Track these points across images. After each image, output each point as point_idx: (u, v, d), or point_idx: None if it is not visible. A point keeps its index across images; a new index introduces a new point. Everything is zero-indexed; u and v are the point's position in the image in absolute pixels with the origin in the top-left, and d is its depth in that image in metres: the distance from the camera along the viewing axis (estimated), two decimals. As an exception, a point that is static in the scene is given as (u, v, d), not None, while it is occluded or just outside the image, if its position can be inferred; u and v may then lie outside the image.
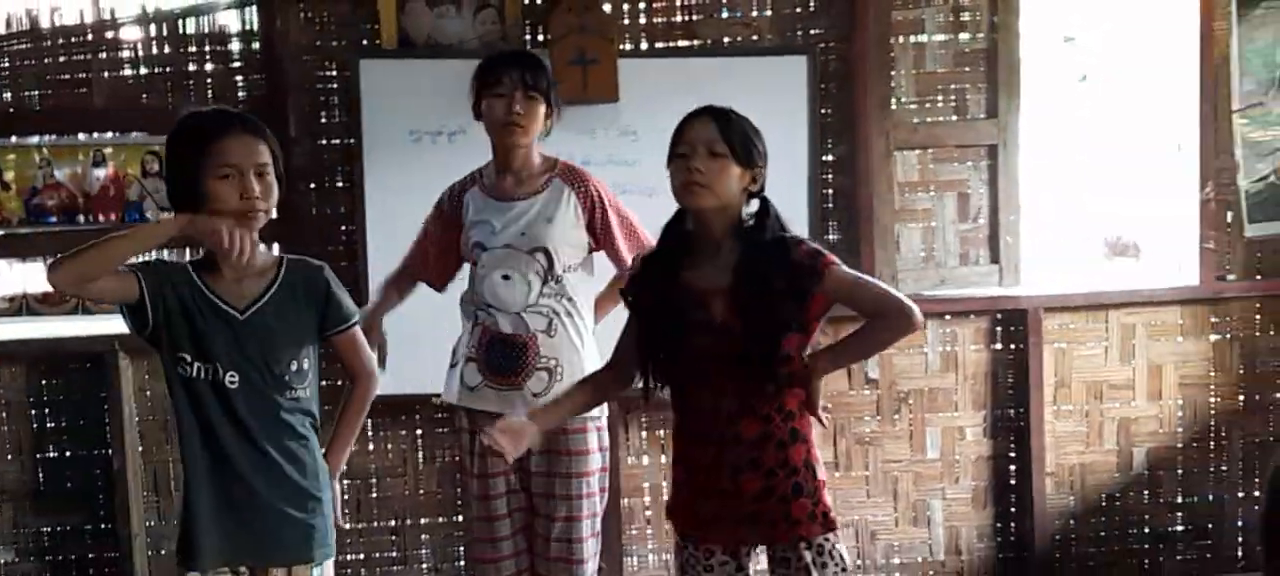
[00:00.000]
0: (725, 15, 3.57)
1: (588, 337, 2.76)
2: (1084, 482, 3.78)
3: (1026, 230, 3.67)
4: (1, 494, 3.55)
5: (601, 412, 2.77)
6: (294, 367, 2.23)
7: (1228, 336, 3.77)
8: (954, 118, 3.64)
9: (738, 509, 2.21)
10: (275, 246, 3.42)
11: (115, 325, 3.49)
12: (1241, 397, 3.80)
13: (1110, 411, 3.76)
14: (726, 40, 3.56)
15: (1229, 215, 3.69)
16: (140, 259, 2.23)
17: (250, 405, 2.20)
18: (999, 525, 3.78)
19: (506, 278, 2.67)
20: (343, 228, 3.49)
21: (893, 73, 3.58)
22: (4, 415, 3.53)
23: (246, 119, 2.21)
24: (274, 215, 2.23)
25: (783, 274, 2.18)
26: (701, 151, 2.18)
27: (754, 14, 3.57)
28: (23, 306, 3.54)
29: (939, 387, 3.71)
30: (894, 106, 3.59)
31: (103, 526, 3.57)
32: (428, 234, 2.84)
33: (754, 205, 2.24)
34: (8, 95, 3.45)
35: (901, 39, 3.59)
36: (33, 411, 3.54)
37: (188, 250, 3.32)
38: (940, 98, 3.63)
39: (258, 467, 2.20)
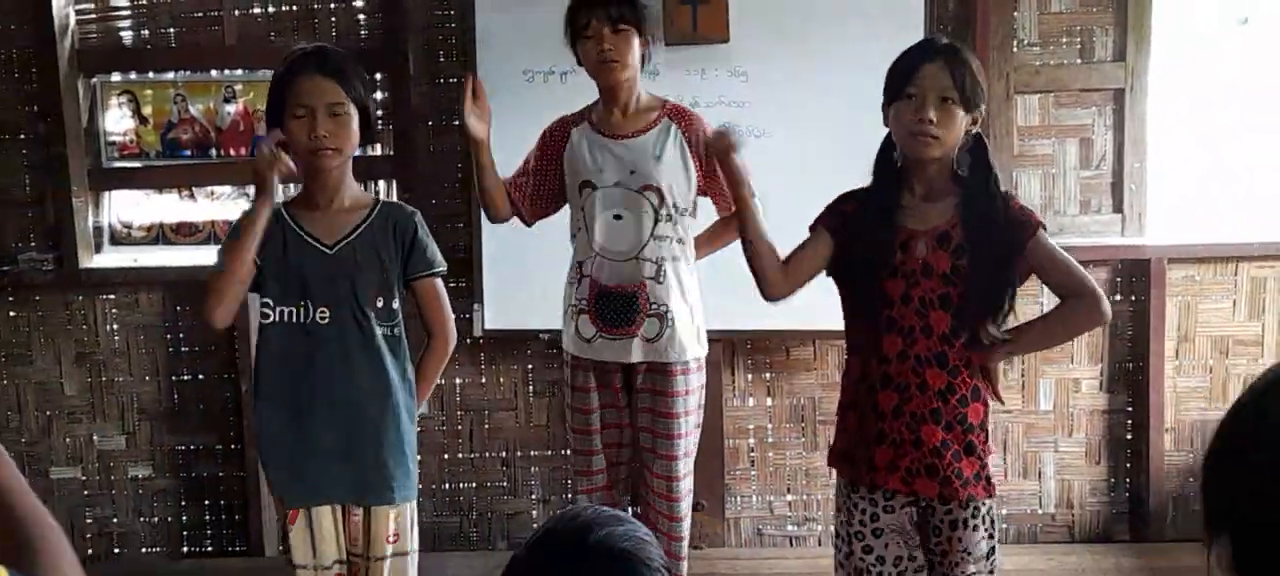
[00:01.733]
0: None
1: (695, 280, 2.78)
2: (1204, 441, 3.64)
3: (1154, 179, 3.53)
4: (140, 412, 3.76)
5: (704, 349, 2.80)
6: (381, 304, 2.29)
7: (1364, 292, 3.58)
8: (1078, 61, 3.50)
9: (914, 459, 2.21)
10: (394, 189, 3.54)
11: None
12: (1374, 355, 3.62)
13: (1236, 368, 3.61)
14: (842, -21, 3.49)
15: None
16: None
17: (341, 341, 2.27)
18: (1113, 481, 3.70)
19: (618, 217, 2.69)
20: (458, 166, 3.55)
21: (1015, 13, 3.47)
22: (142, 338, 3.73)
23: (325, 59, 2.26)
24: (349, 152, 2.28)
25: (1001, 223, 2.16)
26: (932, 99, 2.12)
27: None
28: (159, 235, 3.73)
29: (1056, 339, 3.62)
30: (1015, 48, 3.47)
31: (232, 446, 3.75)
32: (527, 163, 2.85)
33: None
34: (145, 32, 3.60)
35: (1026, -23, 3.47)
36: (168, 336, 3.73)
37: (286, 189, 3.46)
38: (1065, 39, 3.50)
39: (343, 404, 2.28)
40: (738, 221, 2.35)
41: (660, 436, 2.76)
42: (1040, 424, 3.67)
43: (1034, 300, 3.54)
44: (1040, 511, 3.71)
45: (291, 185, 3.57)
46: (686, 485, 2.82)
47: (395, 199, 3.35)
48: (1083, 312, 2.21)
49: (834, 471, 2.39)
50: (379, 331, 2.29)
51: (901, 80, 2.16)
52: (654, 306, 2.70)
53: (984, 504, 2.24)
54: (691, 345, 2.76)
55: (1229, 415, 1.01)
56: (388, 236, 2.30)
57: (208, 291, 2.22)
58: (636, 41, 2.66)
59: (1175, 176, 3.59)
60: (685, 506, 2.83)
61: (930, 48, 2.20)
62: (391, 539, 2.35)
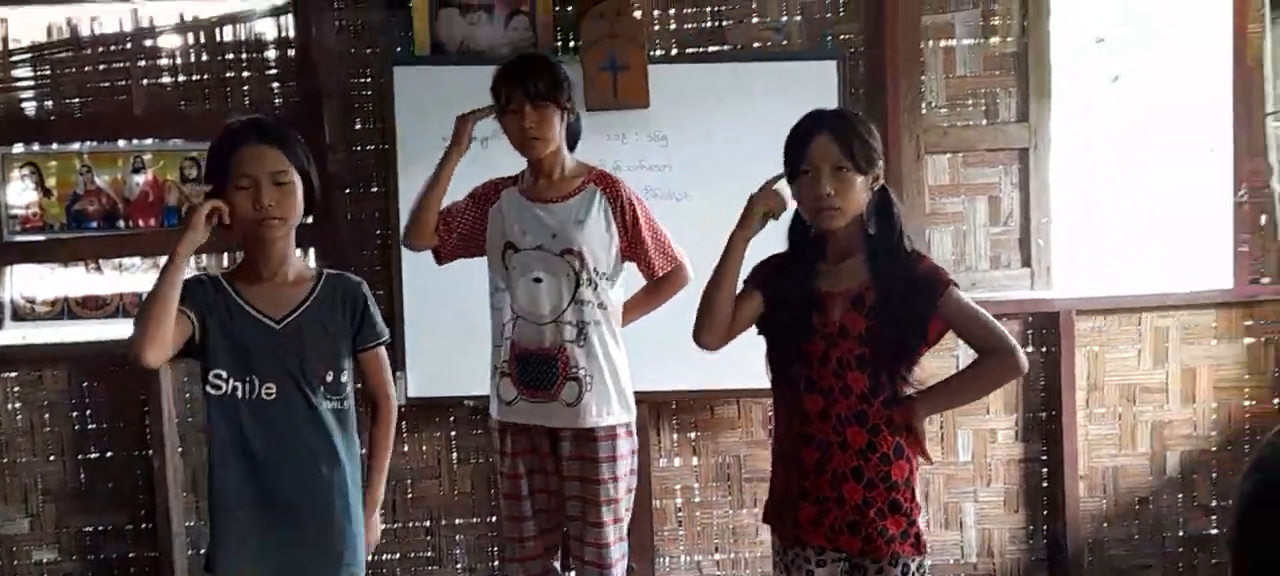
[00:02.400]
0: (754, 21, 3.58)
1: (620, 345, 2.77)
2: (1117, 486, 3.76)
3: (1057, 233, 3.66)
4: (45, 494, 3.62)
5: (630, 415, 2.79)
6: (329, 378, 2.24)
7: (1262, 339, 3.74)
8: (984, 121, 3.63)
9: (837, 516, 2.22)
10: (312, 256, 3.48)
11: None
12: (1276, 401, 3.76)
13: (1143, 415, 3.74)
14: (756, 45, 3.57)
15: (1263, 218, 3.66)
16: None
17: (288, 417, 2.21)
18: (1031, 528, 3.77)
19: (537, 280, 2.68)
20: (377, 232, 3.53)
21: (923, 77, 3.59)
22: (46, 416, 3.60)
23: (265, 129, 2.21)
24: (294, 221, 2.22)
25: (909, 283, 2.20)
26: (826, 171, 2.17)
27: (783, 19, 3.58)
28: (64, 310, 3.61)
29: (972, 390, 3.70)
30: (924, 110, 3.59)
31: (143, 526, 3.63)
32: (455, 205, 2.81)
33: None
34: (49, 103, 3.52)
35: (931, 43, 3.59)
36: (74, 413, 3.60)
37: (223, 258, 3.39)
38: (970, 101, 3.63)
39: (291, 482, 2.21)
40: (726, 257, 2.33)
41: (588, 502, 2.73)
42: (959, 474, 3.74)
43: (949, 353, 3.65)
44: (963, 560, 3.77)
45: (205, 258, 3.55)
46: (617, 552, 2.78)
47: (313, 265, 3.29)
48: (998, 367, 2.24)
49: (769, 527, 2.41)
50: (326, 405, 2.24)
51: (796, 157, 2.22)
52: (573, 370, 2.69)
53: (912, 561, 2.26)
54: (614, 410, 2.73)
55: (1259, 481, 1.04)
56: (335, 309, 2.25)
57: (134, 326, 2.13)
58: (556, 114, 2.67)
59: (1080, 230, 3.72)
60: (618, 573, 2.81)
61: (817, 121, 2.23)
62: None
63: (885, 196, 2.25)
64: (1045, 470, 3.75)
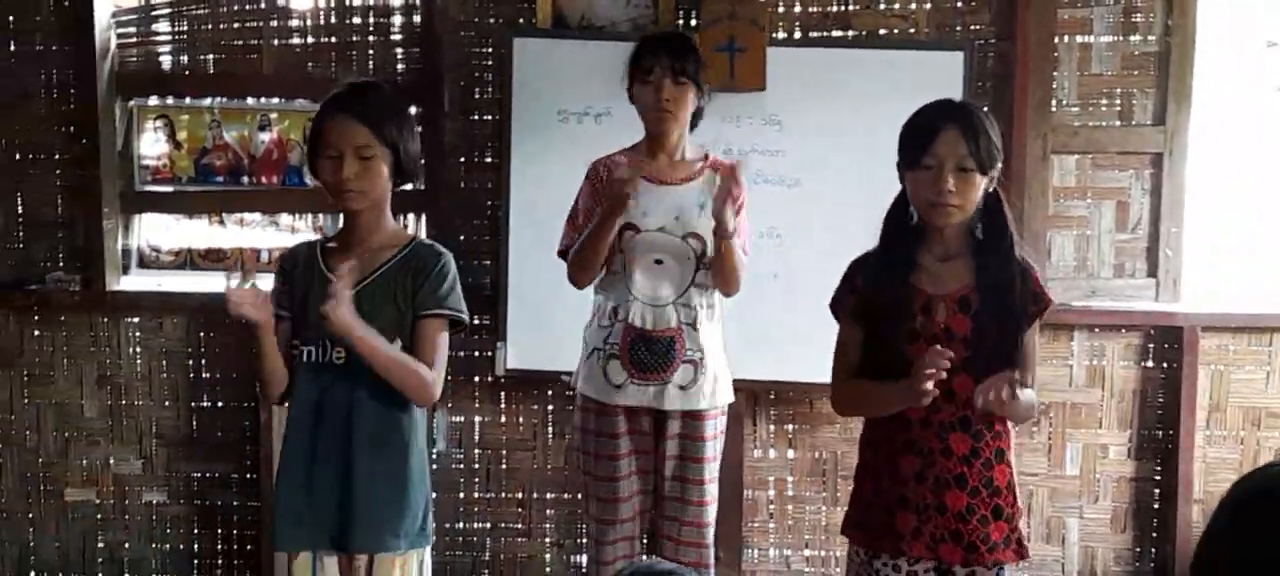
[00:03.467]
0: (881, 6, 3.49)
1: (723, 326, 2.79)
2: (1236, 513, 3.59)
3: (1188, 245, 3.50)
4: (158, 437, 3.74)
5: (726, 399, 2.78)
6: (398, 346, 2.24)
7: (1396, 367, 3.53)
8: (1118, 123, 3.49)
9: (939, 525, 2.17)
10: (423, 224, 3.53)
11: (270, 284, 3.63)
12: (1407, 431, 3.55)
13: (1268, 440, 3.55)
14: (881, 32, 3.48)
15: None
16: (275, 280, 2.36)
17: (356, 381, 2.22)
18: (1138, 550, 3.63)
19: (659, 262, 2.70)
20: (488, 202, 3.55)
21: (1055, 73, 3.45)
22: (164, 363, 3.71)
23: (360, 101, 2.23)
24: (376, 196, 2.25)
25: (1018, 288, 2.15)
26: (950, 168, 2.10)
27: (912, 6, 3.49)
28: (187, 260, 3.73)
29: (1083, 402, 3.57)
30: (1054, 108, 3.46)
31: (248, 476, 3.72)
32: (578, 207, 2.82)
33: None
34: (184, 58, 3.62)
35: (1066, 38, 3.46)
36: (190, 362, 3.71)
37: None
38: (1104, 101, 3.49)
39: (357, 448, 2.23)
40: (886, 404, 2.20)
41: (691, 482, 2.76)
42: (1065, 488, 3.62)
43: (1063, 362, 3.54)
44: (1064, 577, 3.65)
45: (322, 217, 3.63)
46: (711, 534, 2.82)
47: (423, 235, 3.33)
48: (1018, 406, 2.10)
49: (848, 540, 2.35)
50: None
51: (917, 149, 2.14)
52: (689, 353, 2.70)
53: (1010, 568, 2.20)
54: (723, 391, 2.78)
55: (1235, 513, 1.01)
56: (408, 276, 2.26)
57: (260, 382, 2.31)
58: (692, 95, 2.67)
59: (1212, 243, 3.55)
60: (712, 554, 2.82)
61: (946, 113, 2.15)
62: None
63: (996, 199, 2.18)
64: (1157, 491, 3.60)
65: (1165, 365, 3.55)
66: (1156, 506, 3.60)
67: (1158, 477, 3.59)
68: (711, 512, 2.79)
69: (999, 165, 2.16)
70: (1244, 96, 3.56)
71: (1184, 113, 3.44)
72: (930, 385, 2.03)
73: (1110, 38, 3.46)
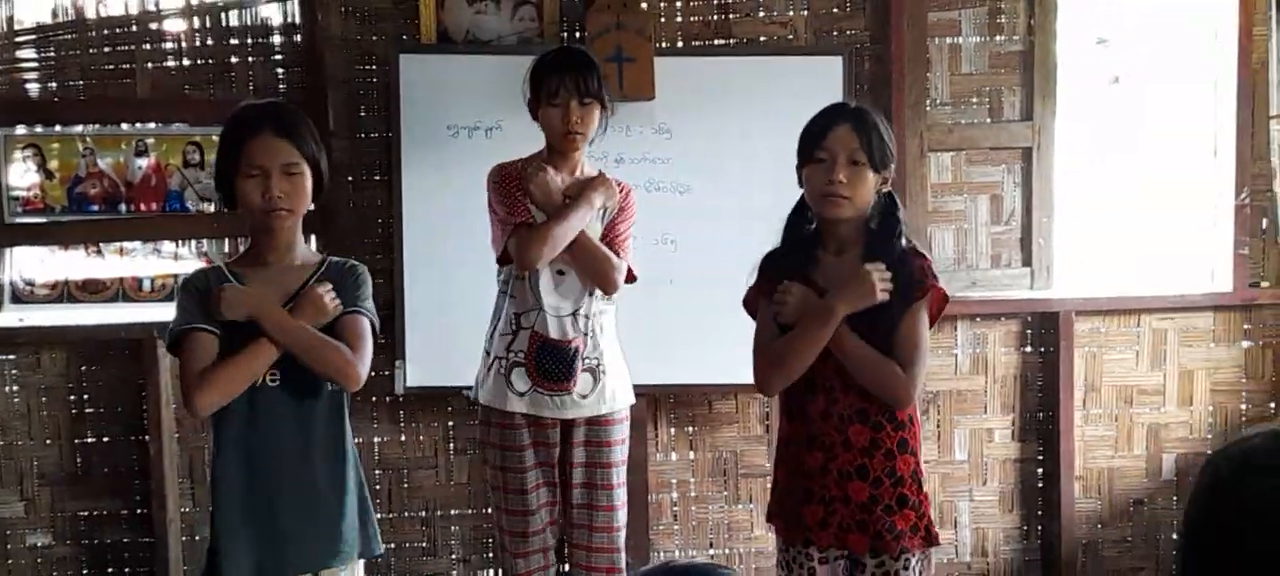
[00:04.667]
0: (761, 15, 3.58)
1: (617, 335, 2.84)
2: (1112, 487, 3.78)
3: (1059, 234, 3.67)
4: (40, 477, 3.59)
5: (627, 402, 2.84)
6: None
7: (1260, 343, 3.75)
8: (988, 120, 3.64)
9: (844, 515, 2.23)
10: (314, 242, 3.48)
11: (153, 313, 3.54)
12: (1273, 405, 3.78)
13: (1140, 417, 3.75)
14: (762, 39, 3.57)
15: (1264, 221, 3.68)
16: (183, 298, 2.25)
17: (289, 403, 2.21)
18: (1026, 528, 3.78)
19: (561, 273, 2.71)
20: (380, 221, 3.52)
21: (928, 74, 3.59)
22: (44, 400, 3.57)
23: (280, 118, 2.21)
24: (302, 212, 2.24)
25: (902, 285, 2.19)
26: (842, 160, 2.17)
27: (790, 14, 3.58)
28: (64, 293, 3.59)
29: (968, 389, 3.71)
30: (929, 108, 3.60)
31: (138, 511, 3.61)
32: (500, 211, 2.75)
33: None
34: (53, 84, 3.49)
35: (937, 40, 3.60)
36: (72, 397, 3.58)
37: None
38: (975, 99, 3.64)
39: (292, 468, 2.22)
40: (822, 328, 2.20)
41: (600, 488, 2.78)
42: (955, 473, 3.75)
43: (948, 351, 3.67)
44: (957, 559, 3.78)
45: (207, 242, 3.55)
46: (622, 538, 2.84)
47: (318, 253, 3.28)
48: (893, 380, 2.18)
49: (772, 528, 2.41)
50: (328, 389, 2.24)
51: (812, 143, 2.22)
52: (589, 360, 2.74)
53: (918, 555, 2.27)
54: (625, 395, 2.83)
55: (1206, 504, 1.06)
56: (336, 292, 2.25)
57: (204, 389, 2.13)
58: (598, 113, 2.70)
59: (1081, 231, 3.73)
60: (624, 559, 2.84)
61: (840, 111, 2.25)
62: None
63: (891, 201, 2.27)
64: (1041, 470, 3.76)
65: (1043, 349, 3.71)
66: (1041, 485, 3.76)
67: (1041, 458, 3.75)
68: (622, 517, 2.81)
69: (891, 168, 2.25)
70: (1092, 90, 3.74)
71: (1049, 108, 3.61)
72: (877, 284, 2.14)
73: (978, 38, 3.62)
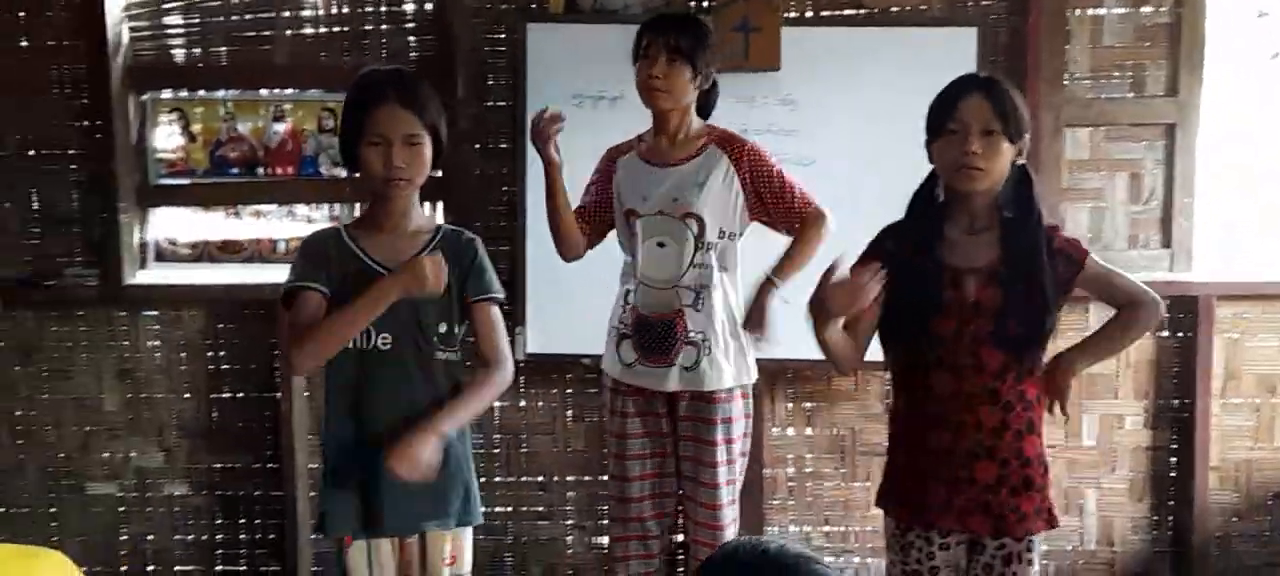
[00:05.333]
0: (893, -16, 3.51)
1: (737, 307, 2.76)
2: (1250, 480, 3.63)
3: (1201, 215, 3.52)
4: (179, 430, 3.75)
5: (749, 378, 2.79)
6: (443, 329, 2.28)
7: None
8: (1130, 95, 3.50)
9: (969, 497, 2.19)
10: (439, 210, 3.55)
11: (285, 275, 3.64)
12: None
13: (1284, 407, 3.59)
14: (893, 9, 3.49)
15: None
16: (299, 257, 2.30)
17: (400, 367, 2.25)
18: (1155, 518, 3.66)
19: (661, 245, 2.70)
20: (504, 188, 3.56)
21: (1067, 47, 3.47)
22: (183, 356, 3.72)
23: (403, 88, 2.23)
24: (421, 181, 2.26)
25: (1047, 259, 2.15)
26: (975, 131, 2.12)
27: (924, -18, 3.50)
28: (204, 253, 3.74)
29: (1098, 373, 3.57)
30: (1066, 82, 3.47)
31: (269, 465, 3.74)
32: (587, 199, 2.89)
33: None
34: (197, 50, 3.62)
35: (1077, 12, 3.47)
36: (209, 354, 3.72)
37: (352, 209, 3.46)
38: (1116, 74, 3.50)
39: (398, 432, 2.21)
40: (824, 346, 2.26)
41: (703, 464, 2.75)
42: (1082, 459, 3.64)
43: (1080, 333, 3.54)
44: (1082, 547, 3.68)
45: (338, 207, 3.65)
46: (729, 514, 2.80)
47: (440, 220, 3.34)
48: (1141, 321, 2.26)
49: (882, 512, 2.37)
50: (439, 357, 2.28)
51: (943, 115, 2.16)
52: (691, 335, 2.70)
53: (1040, 538, 2.23)
54: (732, 374, 2.74)
55: None
56: (451, 262, 2.28)
57: (307, 342, 2.17)
58: (687, 73, 2.65)
59: (1224, 212, 3.57)
60: (729, 535, 2.82)
61: (971, 81, 2.19)
62: (448, 562, 2.34)
63: (1025, 174, 2.20)
64: (1174, 460, 3.63)
65: (1180, 335, 3.57)
66: (1173, 475, 3.63)
67: (1175, 446, 3.62)
68: (724, 494, 2.76)
69: (1026, 138, 2.18)
70: (1246, 66, 3.57)
71: (1195, 83, 3.45)
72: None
73: (1122, 10, 3.48)
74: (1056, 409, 2.26)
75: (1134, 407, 3.62)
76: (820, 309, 2.16)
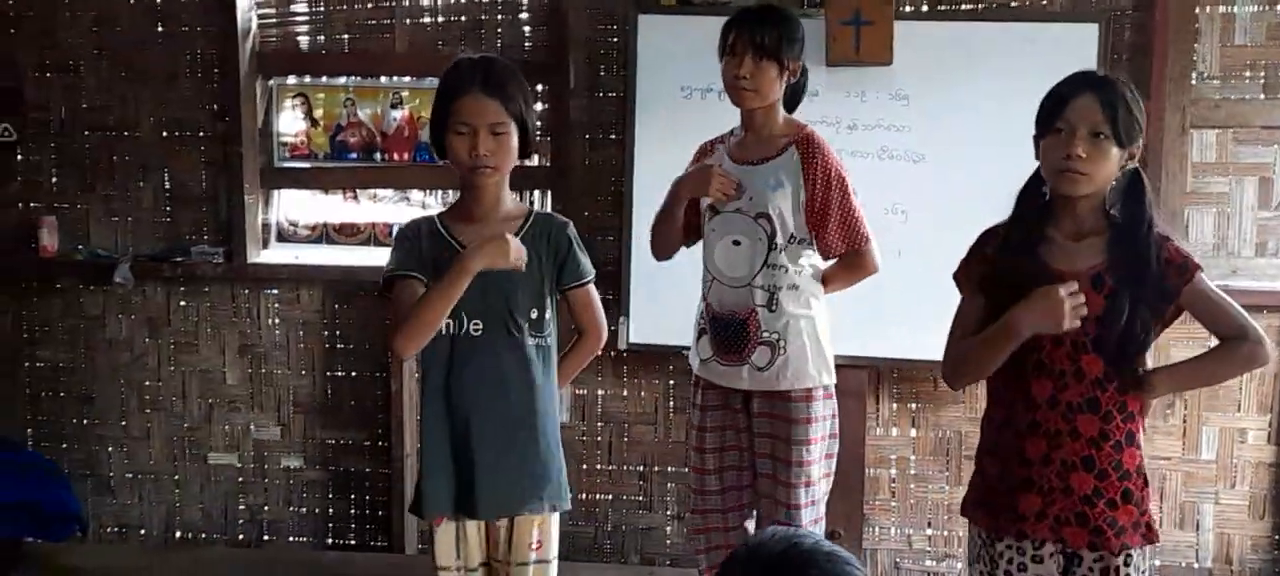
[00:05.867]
0: (1012, -22, 3.43)
1: (817, 307, 2.71)
2: (1380, 501, 3.45)
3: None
4: (295, 405, 3.90)
5: (829, 379, 2.74)
6: (534, 315, 2.29)
7: None
8: (1262, 96, 3.36)
9: (1063, 507, 2.13)
10: (546, 199, 3.60)
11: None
12: None
13: None
14: (1012, 4, 3.41)
15: None
16: (396, 246, 2.33)
17: (493, 352, 2.26)
18: (1277, 537, 3.50)
19: (737, 243, 2.67)
20: (612, 178, 3.60)
21: (1195, 45, 3.34)
22: (301, 333, 3.87)
23: (489, 77, 2.24)
24: (507, 169, 2.27)
25: (1155, 269, 2.08)
26: (1083, 133, 2.04)
27: (1044, -23, 3.41)
28: (323, 234, 3.87)
29: (1220, 386, 3.44)
30: (1194, 81, 3.35)
31: (380, 444, 3.86)
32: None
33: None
34: (321, 38, 3.75)
35: (1207, 8, 3.34)
36: (325, 332, 3.86)
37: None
38: (1248, 73, 3.36)
39: (494, 417, 2.27)
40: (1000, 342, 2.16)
41: (780, 462, 2.71)
42: (1201, 473, 3.51)
43: (1202, 344, 3.42)
44: (1197, 565, 3.54)
45: (451, 193, 3.72)
46: (808, 515, 2.72)
47: (548, 209, 3.38)
48: (1241, 355, 2.11)
49: (968, 521, 2.31)
50: (530, 342, 2.29)
51: (1052, 112, 2.09)
52: (765, 334, 2.66)
53: (1140, 552, 2.14)
54: (809, 373, 2.68)
55: None
56: (541, 248, 2.30)
57: (406, 326, 2.20)
58: (774, 71, 2.61)
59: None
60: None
61: (1083, 80, 2.10)
62: (535, 547, 2.35)
63: (1137, 178, 2.11)
64: (1298, 478, 3.48)
65: (1310, 347, 3.41)
66: (1297, 493, 3.48)
67: (1299, 464, 3.47)
68: (803, 494, 2.70)
69: (1139, 143, 2.10)
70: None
71: (1334, 84, 3.29)
72: (1068, 308, 2.01)
73: (1255, 7, 3.34)
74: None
75: (1257, 421, 3.47)
76: (1051, 319, 2.07)
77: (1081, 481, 2.11)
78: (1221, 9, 3.34)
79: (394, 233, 2.41)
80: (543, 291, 2.32)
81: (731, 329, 2.68)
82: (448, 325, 2.27)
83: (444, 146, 2.28)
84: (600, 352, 2.51)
